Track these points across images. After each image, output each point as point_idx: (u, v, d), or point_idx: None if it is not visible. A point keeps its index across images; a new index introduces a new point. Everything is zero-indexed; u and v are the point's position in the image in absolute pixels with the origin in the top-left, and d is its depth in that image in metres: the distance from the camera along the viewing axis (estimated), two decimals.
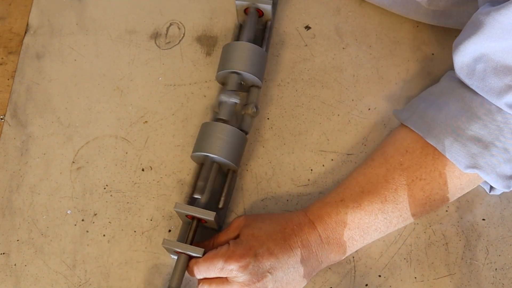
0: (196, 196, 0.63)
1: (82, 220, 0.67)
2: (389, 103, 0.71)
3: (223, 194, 0.64)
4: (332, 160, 0.69)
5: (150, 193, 0.68)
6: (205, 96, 0.73)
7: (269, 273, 0.57)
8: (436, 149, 0.59)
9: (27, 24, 0.79)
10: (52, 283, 0.64)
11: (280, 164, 0.69)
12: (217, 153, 0.63)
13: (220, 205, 0.64)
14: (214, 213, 0.61)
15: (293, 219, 0.61)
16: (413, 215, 0.61)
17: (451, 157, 0.58)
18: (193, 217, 0.62)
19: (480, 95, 0.58)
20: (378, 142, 0.69)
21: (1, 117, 0.73)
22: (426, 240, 0.64)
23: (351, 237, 0.60)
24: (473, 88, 0.58)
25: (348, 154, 0.69)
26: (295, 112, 0.71)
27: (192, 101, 0.73)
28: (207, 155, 0.64)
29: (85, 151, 0.71)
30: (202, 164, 0.65)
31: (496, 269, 0.63)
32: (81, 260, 0.65)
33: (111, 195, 0.68)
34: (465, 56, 0.57)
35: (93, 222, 0.67)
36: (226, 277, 0.58)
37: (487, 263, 0.63)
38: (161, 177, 0.69)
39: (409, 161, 0.60)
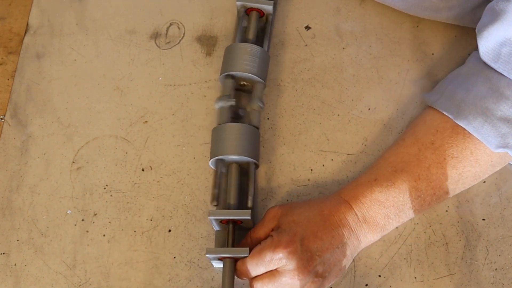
0: (226, 201, 0.62)
1: (82, 220, 0.67)
2: (389, 103, 0.71)
3: (249, 193, 0.63)
4: (332, 160, 0.69)
5: (150, 193, 0.68)
6: (205, 96, 0.73)
7: (318, 256, 0.57)
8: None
9: (27, 24, 0.79)
10: (52, 283, 0.64)
11: (280, 164, 0.69)
12: (235, 152, 0.63)
13: (249, 205, 0.63)
14: (249, 211, 0.61)
15: (329, 201, 0.61)
16: (447, 192, 0.61)
17: (482, 138, 0.59)
18: (228, 221, 0.62)
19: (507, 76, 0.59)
20: (378, 142, 0.69)
21: (1, 117, 0.73)
22: (426, 240, 0.64)
23: (386, 216, 0.60)
24: (499, 71, 0.60)
25: (348, 154, 0.69)
26: (295, 112, 0.71)
27: (192, 101, 0.73)
28: (225, 157, 0.64)
29: (85, 151, 0.71)
30: (218, 170, 0.64)
31: (496, 269, 0.63)
32: (81, 260, 0.65)
33: (111, 195, 0.68)
34: (489, 41, 0.59)
35: (93, 222, 0.67)
36: (276, 269, 0.58)
37: (487, 263, 0.63)
38: (161, 177, 0.69)
39: (440, 140, 0.61)
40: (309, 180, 0.68)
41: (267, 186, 0.67)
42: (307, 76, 0.73)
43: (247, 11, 0.73)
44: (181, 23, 0.78)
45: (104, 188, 0.68)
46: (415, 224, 0.65)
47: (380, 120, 0.70)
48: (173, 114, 0.72)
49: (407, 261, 0.64)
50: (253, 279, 0.59)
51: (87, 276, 0.65)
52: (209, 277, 0.64)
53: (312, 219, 0.59)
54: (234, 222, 0.62)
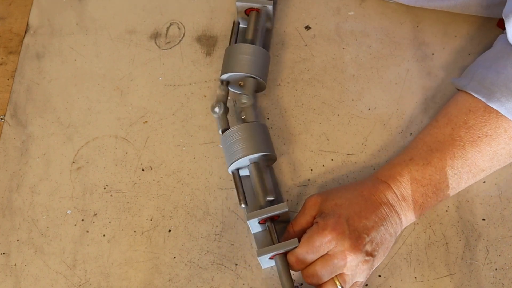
0: (262, 199, 0.62)
1: (82, 220, 0.67)
2: (389, 103, 0.71)
3: (269, 186, 0.63)
4: (332, 160, 0.69)
5: (150, 193, 0.68)
6: (205, 96, 0.73)
7: (365, 234, 0.58)
8: None
9: (27, 24, 0.79)
10: (52, 283, 0.64)
11: (280, 164, 0.69)
12: (248, 154, 0.63)
13: (271, 197, 0.63)
14: (286, 203, 0.61)
15: (366, 183, 0.62)
16: (483, 170, 0.62)
17: None
18: (265, 220, 0.62)
19: None
20: (378, 142, 0.69)
21: (1, 117, 0.73)
22: (426, 240, 0.64)
23: (424, 194, 0.61)
24: None
25: (348, 154, 0.69)
26: (295, 112, 0.71)
27: (192, 101, 0.73)
28: (242, 162, 0.63)
29: (85, 151, 0.71)
30: (237, 176, 0.64)
31: (496, 269, 0.63)
32: (81, 260, 0.65)
33: (111, 195, 0.68)
34: None
35: (93, 222, 0.67)
36: (326, 253, 0.58)
37: (487, 263, 0.63)
38: (161, 177, 0.69)
39: (474, 120, 0.61)
40: (309, 180, 0.68)
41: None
42: (307, 76, 0.73)
43: (247, 11, 0.73)
44: (181, 23, 0.78)
45: (104, 188, 0.68)
46: (415, 224, 0.65)
47: (380, 120, 0.70)
48: (173, 114, 0.72)
49: (407, 261, 0.64)
50: (305, 269, 0.60)
51: (87, 276, 0.65)
52: (209, 277, 0.64)
53: (353, 201, 0.60)
54: (272, 218, 0.62)
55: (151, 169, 0.69)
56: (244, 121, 0.66)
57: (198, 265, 0.64)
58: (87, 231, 0.67)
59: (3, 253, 0.66)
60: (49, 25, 0.78)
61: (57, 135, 0.72)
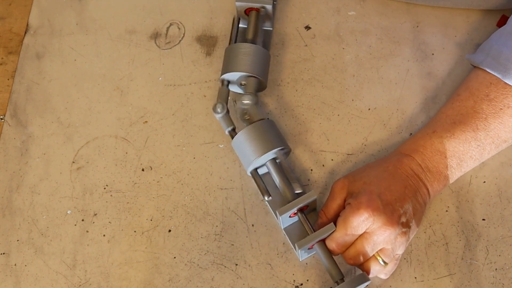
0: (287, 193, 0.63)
1: (82, 220, 0.67)
2: (389, 103, 0.71)
3: (292, 179, 0.63)
4: (332, 160, 0.69)
5: (150, 193, 0.68)
6: (205, 96, 0.73)
7: (399, 207, 0.59)
8: None
9: (27, 24, 0.79)
10: (52, 283, 0.64)
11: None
12: (262, 153, 0.63)
13: (299, 190, 0.63)
14: (313, 191, 0.61)
15: (390, 158, 0.63)
16: (505, 141, 0.63)
17: None
18: (296, 212, 0.62)
19: None
20: (378, 142, 0.69)
21: (1, 117, 0.73)
22: (426, 240, 0.64)
23: (448, 165, 0.62)
24: None
25: (348, 154, 0.69)
26: (295, 112, 0.71)
27: (192, 101, 0.73)
28: (257, 162, 0.63)
29: (85, 151, 0.71)
30: (257, 176, 0.64)
31: (496, 269, 0.63)
32: (81, 260, 0.65)
33: (111, 195, 0.68)
34: None
35: (93, 222, 0.67)
36: (364, 232, 0.58)
37: (487, 263, 0.63)
38: (161, 177, 0.69)
39: (495, 92, 0.62)
40: (309, 180, 0.68)
41: None
42: (307, 76, 0.73)
43: (246, 11, 0.73)
44: (181, 23, 0.78)
45: (104, 188, 0.68)
46: None
47: (380, 120, 0.70)
48: (173, 114, 0.72)
49: (407, 261, 0.64)
50: (346, 251, 0.60)
51: (87, 276, 0.65)
52: (209, 277, 0.64)
53: (380, 177, 0.61)
54: (301, 209, 0.62)
55: (151, 169, 0.69)
56: (249, 121, 0.66)
57: (198, 265, 0.64)
58: (87, 231, 0.67)
59: (3, 253, 0.66)
60: (49, 25, 0.78)
61: (57, 135, 0.72)
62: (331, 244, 0.60)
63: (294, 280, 0.63)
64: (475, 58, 0.66)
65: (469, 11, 0.75)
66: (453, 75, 0.72)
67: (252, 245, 0.65)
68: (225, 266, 0.64)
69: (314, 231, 0.60)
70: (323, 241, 0.60)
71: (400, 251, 0.60)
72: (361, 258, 0.59)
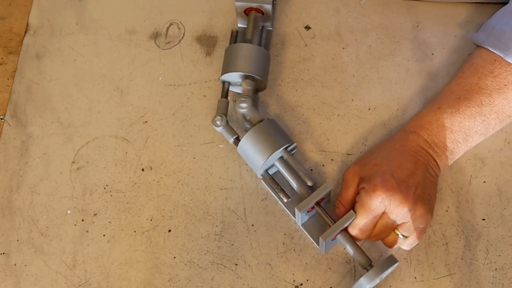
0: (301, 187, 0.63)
1: (82, 220, 0.67)
2: (389, 103, 0.71)
3: (302, 174, 0.63)
4: (332, 160, 0.69)
5: (150, 193, 0.68)
6: (205, 96, 0.73)
7: (413, 182, 0.60)
8: None
9: (27, 24, 0.79)
10: (52, 283, 0.64)
11: None
12: (277, 147, 0.63)
13: (310, 183, 0.63)
14: (327, 183, 0.62)
15: (395, 137, 0.65)
16: (509, 116, 0.64)
17: None
18: (313, 206, 0.62)
19: None
20: (378, 142, 0.69)
21: (1, 117, 0.73)
22: (426, 240, 0.64)
23: (455, 140, 0.63)
24: None
25: (348, 154, 0.69)
26: (295, 112, 0.71)
27: (192, 101, 0.73)
28: (268, 163, 0.63)
29: (85, 151, 0.71)
30: (269, 178, 0.64)
31: (496, 269, 0.63)
32: (81, 260, 0.65)
33: (111, 195, 0.68)
34: None
35: (93, 222, 0.67)
36: (384, 213, 0.59)
37: (487, 263, 0.63)
38: (161, 177, 0.69)
39: (499, 69, 0.63)
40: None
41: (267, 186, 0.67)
42: (307, 76, 0.73)
43: (246, 11, 0.73)
44: (181, 23, 0.78)
45: (104, 188, 0.68)
46: None
47: (380, 120, 0.70)
48: (173, 114, 0.72)
49: (407, 261, 0.64)
50: (371, 235, 0.61)
51: (87, 276, 0.65)
52: (209, 277, 0.64)
53: (390, 156, 0.62)
54: (317, 203, 0.62)
55: (151, 169, 0.69)
56: (250, 123, 0.65)
57: (198, 265, 0.64)
58: (87, 231, 0.67)
59: (3, 253, 0.66)
60: (49, 25, 0.78)
61: (57, 135, 0.72)
62: (354, 231, 0.60)
63: (294, 280, 0.63)
64: (478, 37, 0.66)
65: (469, 11, 0.75)
66: (453, 75, 0.72)
67: (252, 245, 0.65)
68: (225, 266, 0.64)
69: (334, 222, 0.61)
70: (345, 230, 0.61)
71: (421, 224, 0.60)
72: (383, 236, 0.61)
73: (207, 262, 0.64)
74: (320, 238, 0.60)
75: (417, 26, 0.75)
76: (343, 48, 0.75)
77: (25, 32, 0.78)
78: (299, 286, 0.63)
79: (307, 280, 0.63)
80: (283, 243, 0.65)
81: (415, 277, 0.63)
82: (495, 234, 0.64)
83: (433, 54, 0.74)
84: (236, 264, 0.64)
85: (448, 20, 0.75)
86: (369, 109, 0.71)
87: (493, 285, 0.62)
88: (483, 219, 0.65)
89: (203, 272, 0.64)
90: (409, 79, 0.72)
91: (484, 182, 0.67)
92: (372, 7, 0.77)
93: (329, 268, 0.64)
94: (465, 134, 0.63)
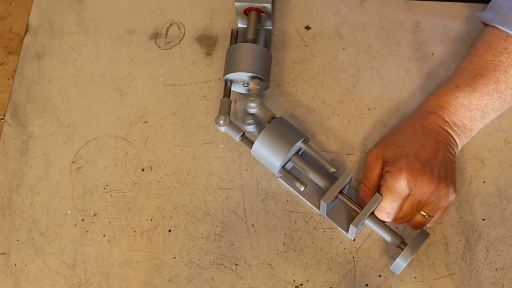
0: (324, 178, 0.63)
1: (82, 220, 0.67)
2: (389, 103, 0.71)
3: (324, 162, 0.64)
4: (332, 160, 0.69)
5: (150, 193, 0.68)
6: (205, 96, 0.73)
7: (436, 163, 0.61)
8: None
9: (27, 24, 0.79)
10: (52, 283, 0.64)
11: None
12: (284, 153, 0.62)
13: (332, 170, 0.63)
14: (348, 170, 0.62)
15: (415, 117, 0.65)
16: None
17: None
18: (337, 195, 0.62)
19: None
20: None
21: (1, 117, 0.73)
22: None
23: (473, 118, 0.64)
24: None
25: (348, 154, 0.69)
26: (295, 112, 0.71)
27: (192, 101, 0.73)
28: (283, 161, 0.64)
29: (85, 151, 0.71)
30: (290, 177, 0.65)
31: (496, 269, 0.63)
32: (81, 260, 0.65)
33: (111, 195, 0.68)
34: None
35: (93, 222, 0.67)
36: (410, 194, 0.60)
37: (487, 263, 0.63)
38: (161, 177, 0.69)
39: None
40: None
41: (267, 186, 0.67)
42: (307, 76, 0.73)
43: (246, 11, 0.73)
44: (181, 23, 0.78)
45: (104, 188, 0.68)
46: None
47: (380, 120, 0.70)
48: (173, 114, 0.72)
49: None
50: (397, 218, 0.61)
51: (87, 276, 0.65)
52: (209, 277, 0.64)
53: (411, 137, 0.62)
54: (341, 191, 0.62)
55: (151, 169, 0.69)
56: (257, 123, 0.65)
57: (198, 265, 0.64)
58: (87, 231, 0.67)
59: (3, 253, 0.66)
60: (49, 25, 0.78)
61: (57, 135, 0.72)
62: (381, 214, 0.61)
63: (294, 280, 0.63)
64: (486, 15, 0.67)
65: (469, 11, 0.75)
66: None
67: (252, 245, 0.65)
68: (225, 266, 0.64)
69: (359, 207, 0.61)
70: (372, 213, 0.61)
71: (445, 203, 0.61)
72: (408, 217, 0.61)
73: (207, 262, 0.64)
74: (351, 225, 0.60)
75: (417, 26, 0.75)
76: (343, 48, 0.75)
77: (25, 32, 0.78)
78: (299, 286, 0.63)
79: (307, 280, 0.63)
80: (283, 243, 0.65)
81: (415, 277, 0.63)
82: (495, 234, 0.64)
83: (433, 54, 0.74)
84: (236, 264, 0.64)
85: (448, 20, 0.75)
86: (369, 109, 0.71)
87: (493, 285, 0.62)
88: (483, 219, 0.65)
89: (203, 272, 0.64)
90: (409, 79, 0.72)
91: (484, 182, 0.67)
92: (372, 7, 0.77)
93: (329, 268, 0.64)
94: (482, 111, 0.64)
